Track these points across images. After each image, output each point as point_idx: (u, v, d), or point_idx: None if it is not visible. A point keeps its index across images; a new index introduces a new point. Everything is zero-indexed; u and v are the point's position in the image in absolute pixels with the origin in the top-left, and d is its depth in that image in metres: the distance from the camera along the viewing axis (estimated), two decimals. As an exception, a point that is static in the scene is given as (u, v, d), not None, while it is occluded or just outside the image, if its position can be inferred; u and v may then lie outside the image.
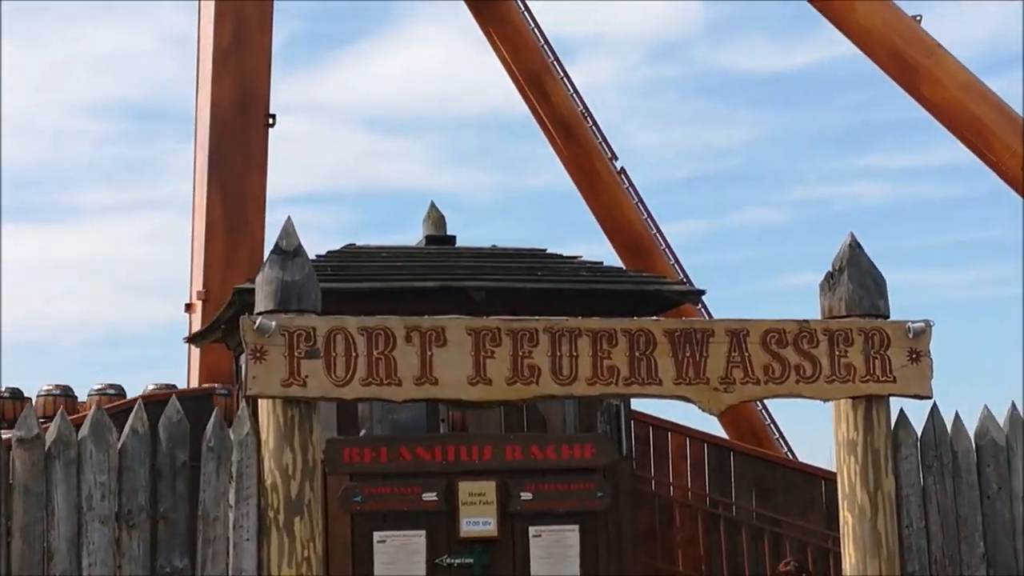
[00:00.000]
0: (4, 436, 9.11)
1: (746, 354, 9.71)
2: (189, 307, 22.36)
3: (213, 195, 22.61)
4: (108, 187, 61.03)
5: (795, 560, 13.61)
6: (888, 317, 9.95)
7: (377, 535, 13.39)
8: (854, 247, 10.05)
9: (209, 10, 23.34)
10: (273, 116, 23.43)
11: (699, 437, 17.71)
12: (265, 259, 9.60)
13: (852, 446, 9.81)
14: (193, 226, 23.30)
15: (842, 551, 9.90)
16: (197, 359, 20.59)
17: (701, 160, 63.13)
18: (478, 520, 13.55)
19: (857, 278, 9.92)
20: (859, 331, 9.82)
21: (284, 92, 56.09)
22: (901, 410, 10.02)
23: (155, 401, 10.32)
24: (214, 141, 22.76)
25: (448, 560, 13.49)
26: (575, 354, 9.58)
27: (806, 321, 9.85)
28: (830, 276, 10.06)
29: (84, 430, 9.03)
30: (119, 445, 9.07)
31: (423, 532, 13.49)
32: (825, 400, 9.89)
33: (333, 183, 63.30)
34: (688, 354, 9.65)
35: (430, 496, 13.49)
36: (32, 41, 58.37)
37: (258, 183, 23.08)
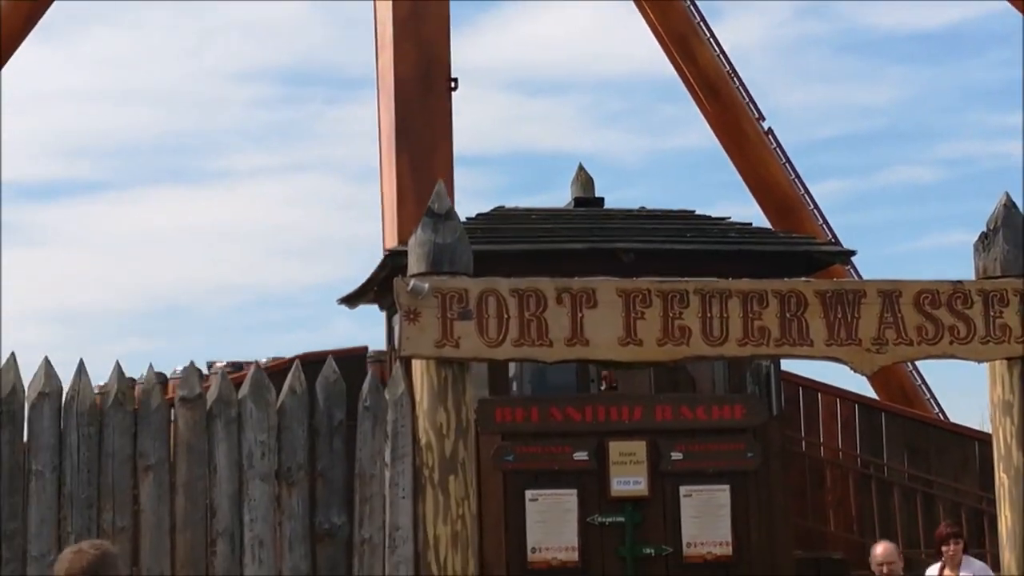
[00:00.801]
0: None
1: (899, 315, 9.67)
2: None
3: (402, 163, 22.91)
4: (260, 151, 61.91)
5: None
6: (1044, 277, 9.83)
7: (529, 493, 13.50)
8: (1009, 207, 9.94)
9: None
10: (455, 80, 23.69)
11: (849, 398, 17.60)
12: (418, 222, 9.74)
13: (1008, 407, 9.72)
14: (382, 191, 23.62)
15: (998, 513, 9.83)
16: None
17: (849, 119, 62.31)
18: (629, 479, 13.59)
19: (1012, 238, 9.81)
20: (1014, 291, 9.73)
21: (431, 55, 56.30)
22: (1058, 370, 9.88)
23: (312, 361, 10.52)
24: (399, 109, 23.04)
25: (599, 519, 13.55)
26: (726, 315, 9.61)
27: (960, 282, 9.78)
28: (984, 236, 9.96)
29: (244, 389, 9.26)
30: (278, 404, 9.29)
31: (574, 491, 13.56)
32: (980, 361, 9.81)
33: (480, 146, 63.57)
34: (840, 315, 9.64)
35: (581, 455, 13.56)
36: (182, 9, 59.28)
37: (445, 148, 23.34)
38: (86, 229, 57.76)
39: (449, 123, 23.47)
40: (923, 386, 28.90)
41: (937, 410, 27.99)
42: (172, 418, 9.30)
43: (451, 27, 23.59)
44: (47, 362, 9.15)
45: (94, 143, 61.36)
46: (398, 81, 23.00)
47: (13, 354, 9.15)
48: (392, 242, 22.27)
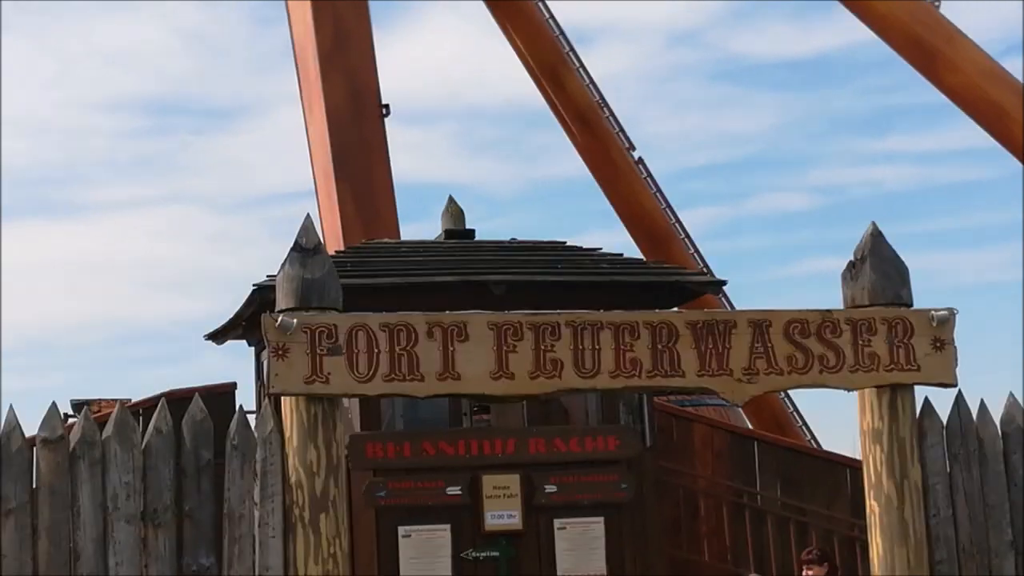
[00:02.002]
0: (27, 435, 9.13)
1: (769, 345, 9.69)
2: None
3: (343, 192, 22.87)
4: (123, 183, 61.13)
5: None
6: (911, 305, 9.92)
7: (402, 529, 13.38)
8: (876, 236, 10.02)
9: (303, 13, 23.57)
10: (386, 106, 23.67)
11: (722, 427, 17.69)
12: (285, 256, 9.60)
13: (877, 435, 9.78)
14: (322, 223, 23.48)
15: (869, 540, 9.88)
16: None
17: (719, 147, 63.10)
18: (503, 513, 13.53)
19: (879, 267, 9.89)
20: (882, 320, 9.79)
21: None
22: (926, 398, 9.99)
23: (179, 398, 10.32)
24: (334, 140, 23.00)
25: (473, 554, 13.47)
26: (597, 347, 9.57)
27: (829, 311, 9.83)
28: (852, 265, 10.03)
29: (108, 429, 9.05)
30: (143, 444, 9.09)
31: (448, 526, 13.48)
32: (849, 390, 9.87)
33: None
34: (711, 345, 9.64)
35: (454, 490, 13.48)
36: (43, 38, 58.46)
37: (383, 174, 23.35)
38: (-53, 264, 56.56)
39: (385, 148, 23.49)
40: (795, 414, 29.24)
41: (809, 437, 28.32)
42: (34, 460, 9.06)
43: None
44: (-98, 405, 8.88)
45: (-44, 177, 60.23)
46: (330, 113, 22.98)
47: None
48: None
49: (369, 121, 23.42)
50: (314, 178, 24.03)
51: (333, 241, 22.80)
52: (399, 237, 21.98)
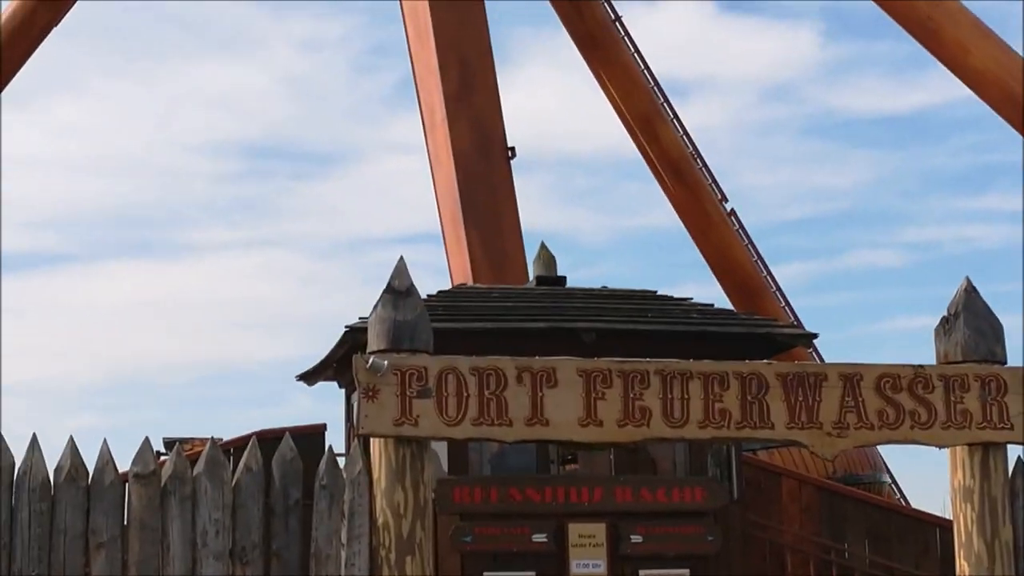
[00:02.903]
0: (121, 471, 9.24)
1: (860, 399, 9.62)
2: None
3: (471, 235, 22.92)
4: (221, 225, 61.78)
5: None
6: (1005, 363, 9.81)
7: (487, 575, 13.38)
8: (970, 292, 9.94)
9: (428, 60, 23.73)
10: (512, 149, 23.76)
11: (811, 481, 17.54)
12: (377, 298, 9.66)
13: (968, 493, 9.67)
14: (450, 266, 23.60)
15: (958, 599, 9.75)
16: None
17: (812, 201, 62.71)
18: (588, 562, 13.49)
19: (973, 323, 9.79)
20: (975, 377, 9.70)
21: (401, 131, 56.61)
22: (1019, 457, 9.87)
23: (269, 438, 10.41)
24: (462, 183, 23.09)
25: (557, 601, 13.44)
26: (686, 396, 9.54)
27: (921, 366, 9.74)
28: (945, 321, 9.94)
29: (199, 466, 9.13)
30: (233, 482, 9.16)
31: (533, 573, 13.46)
32: (940, 447, 9.77)
33: (443, 223, 63.38)
34: (801, 398, 9.58)
35: (540, 537, 13.46)
36: (149, 80, 59.32)
37: (511, 217, 23.40)
38: (46, 301, 57.42)
39: (512, 192, 23.51)
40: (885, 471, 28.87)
41: (898, 494, 27.98)
42: (126, 494, 9.16)
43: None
44: (0, 438, 9.01)
45: (55, 214, 61.15)
46: (457, 156, 23.05)
47: (-23, 431, 9.01)
48: None
49: (496, 164, 23.49)
50: (441, 222, 24.13)
51: (459, 282, 22.87)
52: (528, 280, 22.05)
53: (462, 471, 13.96)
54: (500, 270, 22.32)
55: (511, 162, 23.76)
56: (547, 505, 13.54)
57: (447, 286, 18.41)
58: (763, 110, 62.70)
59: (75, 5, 24.43)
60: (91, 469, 9.07)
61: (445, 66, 23.55)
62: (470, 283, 21.91)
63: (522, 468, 14.27)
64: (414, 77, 24.81)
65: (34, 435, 9.07)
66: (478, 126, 23.48)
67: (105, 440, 9.22)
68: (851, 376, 9.64)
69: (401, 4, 25.02)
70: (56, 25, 24.30)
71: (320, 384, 17.02)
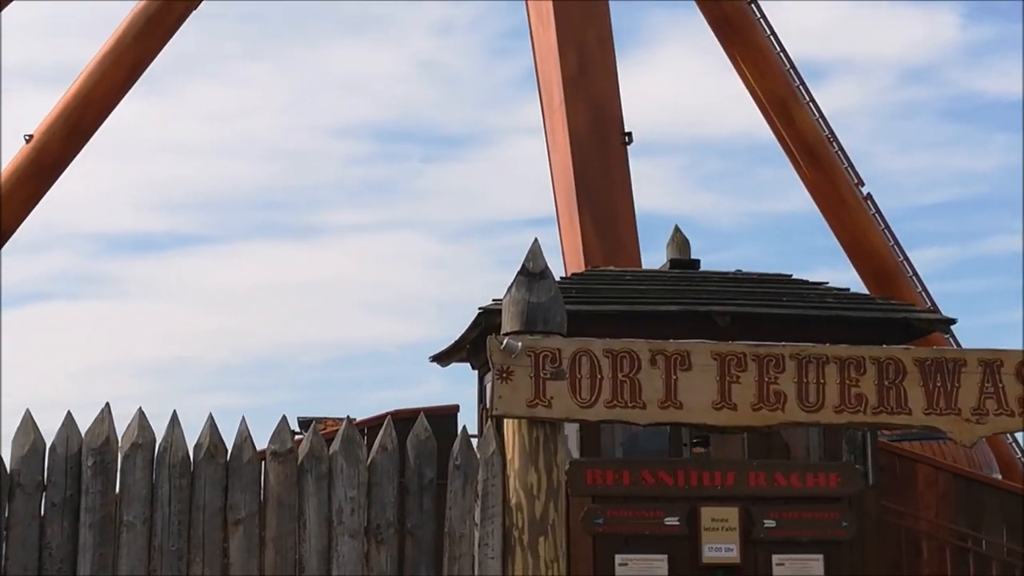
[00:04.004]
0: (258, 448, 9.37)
1: (1000, 385, 9.48)
2: None
3: (584, 219, 23.07)
4: (354, 207, 62.32)
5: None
6: None
7: (619, 558, 13.38)
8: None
9: (549, 42, 23.88)
10: (629, 133, 23.83)
11: (947, 468, 17.32)
12: (511, 280, 9.70)
13: (1111, 482, 9.50)
14: (563, 250, 23.77)
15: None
16: None
17: (951, 186, 61.82)
18: (720, 546, 13.43)
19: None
20: (1119, 363, 9.51)
21: (533, 113, 56.66)
22: None
23: (403, 418, 10.49)
24: (577, 167, 23.24)
25: (689, 585, 13.41)
26: (822, 381, 9.47)
27: (1064, 352, 9.58)
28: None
29: (335, 445, 9.24)
30: (368, 461, 9.26)
31: (665, 556, 13.43)
32: (1082, 434, 9.61)
33: (576, 206, 63.30)
34: (939, 383, 9.47)
35: (672, 520, 13.42)
36: (281, 64, 59.96)
37: (625, 202, 23.50)
38: (182, 282, 58.35)
39: (627, 176, 23.58)
40: (1022, 458, 28.44)
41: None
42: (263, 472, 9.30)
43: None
44: (141, 413, 9.18)
45: (192, 196, 62.12)
46: (573, 140, 23.16)
47: (108, 405, 9.19)
48: None
49: (612, 148, 23.53)
50: (556, 205, 24.21)
51: (575, 268, 22.91)
52: (640, 264, 22.04)
53: (594, 453, 13.97)
54: (612, 254, 22.34)
55: (627, 147, 23.76)
56: (680, 488, 13.50)
57: (562, 270, 18.43)
58: (901, 93, 61.92)
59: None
60: (229, 447, 9.22)
61: (564, 49, 23.62)
62: (581, 266, 21.96)
63: (654, 451, 14.26)
64: (535, 60, 24.88)
65: (174, 412, 9.23)
66: (595, 109, 23.50)
67: (243, 418, 9.36)
68: (991, 362, 9.51)
69: None
70: (194, 9, 24.66)
71: (453, 366, 17.12)
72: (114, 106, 24.48)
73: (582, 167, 23.24)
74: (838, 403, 9.45)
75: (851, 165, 28.94)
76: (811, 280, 15.83)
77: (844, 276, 30.10)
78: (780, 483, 13.61)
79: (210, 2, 25.08)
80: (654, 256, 24.03)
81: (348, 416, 9.81)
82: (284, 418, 9.42)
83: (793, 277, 15.90)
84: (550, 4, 23.99)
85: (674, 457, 14.08)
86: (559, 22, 23.71)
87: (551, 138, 24.25)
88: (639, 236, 23.65)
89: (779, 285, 15.46)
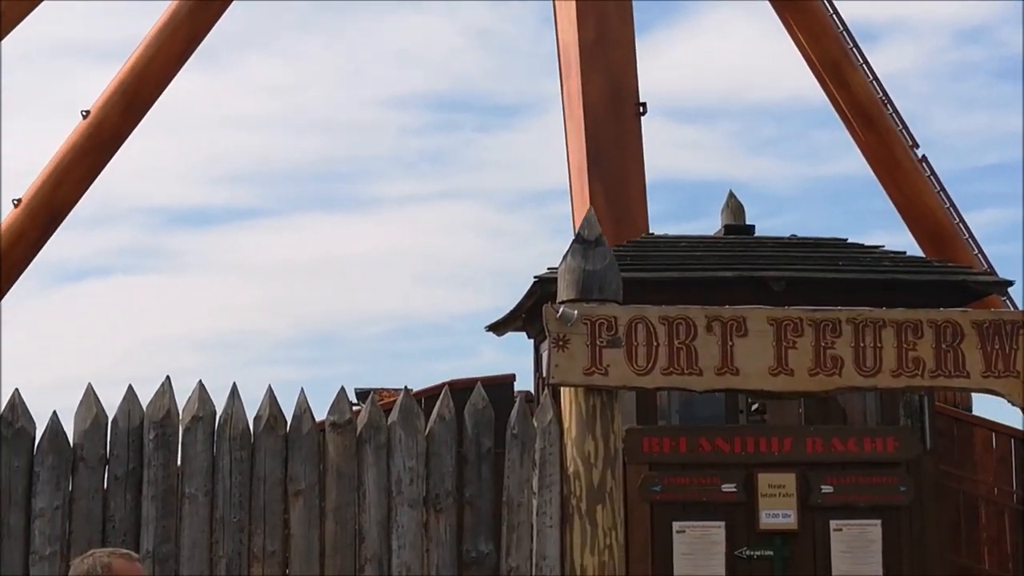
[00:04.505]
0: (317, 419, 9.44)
1: (1059, 347, 9.43)
2: None
3: (595, 188, 23.10)
4: (410, 177, 62.39)
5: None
6: None
7: (676, 525, 13.37)
8: None
9: (568, 10, 23.89)
10: (643, 104, 23.83)
11: (1006, 432, 17.21)
12: (566, 248, 9.71)
13: None
14: (573, 216, 23.84)
15: None
16: None
17: (1007, 146, 61.14)
18: (778, 512, 13.41)
19: None
20: None
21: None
22: None
23: (460, 388, 10.54)
24: (590, 136, 23.25)
25: (748, 552, 13.39)
26: (879, 345, 9.46)
27: (1123, 313, 9.51)
28: None
29: (393, 415, 9.30)
30: (426, 431, 9.31)
31: (722, 523, 13.41)
32: None
33: (629, 173, 63.23)
34: (997, 346, 9.44)
35: (729, 487, 13.40)
36: (337, 36, 60.00)
37: (636, 173, 23.50)
38: (240, 255, 58.57)
39: (640, 147, 23.56)
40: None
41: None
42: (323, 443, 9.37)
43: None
44: (201, 386, 9.27)
45: (249, 169, 62.24)
46: (587, 108, 23.16)
47: (168, 378, 9.29)
48: None
49: (626, 119, 23.51)
50: (569, 174, 24.25)
51: None
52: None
53: (650, 420, 13.97)
54: (621, 226, 22.33)
55: (641, 117, 23.76)
56: (736, 455, 13.47)
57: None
58: (956, 53, 61.26)
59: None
60: (288, 419, 9.29)
61: (583, 16, 23.61)
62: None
63: (710, 418, 14.24)
64: (555, 30, 24.85)
65: (234, 384, 9.31)
66: (611, 80, 23.48)
67: (302, 389, 9.44)
68: (1050, 324, 9.45)
69: None
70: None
71: (508, 335, 17.15)
72: (170, 79, 24.60)
73: (595, 138, 23.26)
74: (895, 367, 9.44)
75: (906, 127, 28.72)
76: (867, 244, 15.74)
77: (900, 239, 29.87)
78: (837, 448, 13.56)
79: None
80: (708, 222, 23.99)
81: (405, 387, 9.84)
82: (342, 389, 9.50)
83: (849, 241, 15.81)
84: None
85: (730, 424, 14.06)
86: None
87: (567, 106, 24.24)
88: (648, 203, 23.64)
89: (834, 249, 15.39)
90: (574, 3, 23.67)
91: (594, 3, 23.62)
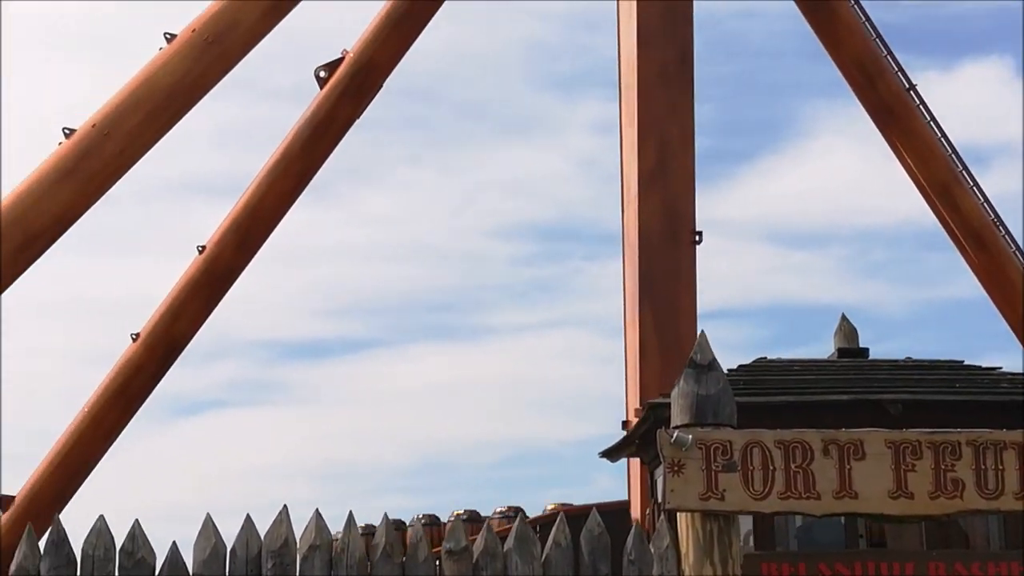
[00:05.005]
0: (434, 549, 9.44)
1: None
2: (626, 424, 22.88)
3: (645, 314, 23.14)
4: (520, 307, 62.66)
5: None
6: None
7: (797, 651, 13.19)
8: None
9: (632, 135, 24.06)
10: (699, 233, 23.89)
11: None
12: (680, 374, 9.69)
13: None
14: (626, 345, 23.86)
15: None
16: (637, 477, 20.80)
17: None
18: (902, 639, 13.20)
19: None
20: None
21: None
22: None
23: (574, 515, 10.51)
24: (643, 262, 23.34)
25: None
26: (1001, 467, 9.31)
27: None
28: None
29: (509, 542, 9.26)
30: (543, 557, 9.27)
31: (843, 649, 13.21)
32: None
33: (741, 297, 63.34)
34: (1118, 467, 9.24)
35: (850, 613, 13.22)
36: (449, 168, 60.79)
37: (688, 301, 23.50)
38: (353, 386, 59.05)
39: (693, 276, 23.60)
40: None
41: None
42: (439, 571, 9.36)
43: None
44: (318, 515, 9.30)
45: (361, 301, 62.98)
46: (642, 234, 23.29)
47: (285, 507, 9.34)
48: (634, 396, 22.43)
49: (681, 247, 23.55)
50: (624, 300, 24.29)
51: (632, 365, 23.11)
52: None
53: (768, 546, 13.82)
54: (669, 353, 22.32)
55: (697, 246, 23.79)
56: (857, 581, 13.30)
57: (737, 361, 18.37)
58: (1068, 172, 60.71)
59: (375, 99, 25.24)
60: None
61: (644, 143, 23.71)
62: (636, 362, 22.04)
63: (829, 542, 14.05)
64: (621, 155, 24.97)
65: (350, 513, 9.34)
66: (668, 206, 23.54)
67: (417, 518, 9.46)
68: None
69: (619, 83, 25.25)
70: (359, 117, 25.10)
71: (621, 462, 17.11)
72: (283, 215, 24.95)
73: (648, 264, 23.30)
74: (1018, 489, 9.28)
75: (1019, 248, 28.44)
76: (983, 366, 15.58)
77: (1017, 361, 29.51)
78: (961, 573, 13.34)
79: (375, 110, 25.53)
80: (820, 347, 23.78)
81: (521, 512, 9.83)
82: (458, 517, 9.52)
83: (965, 363, 15.66)
84: (635, 94, 24.15)
85: (850, 548, 13.87)
86: (642, 116, 23.83)
87: (625, 231, 24.31)
88: (698, 329, 23.64)
89: (950, 371, 15.25)
90: (636, 129, 23.81)
91: (657, 127, 23.72)
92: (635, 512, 18.76)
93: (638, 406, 22.35)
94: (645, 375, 22.61)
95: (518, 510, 19.44)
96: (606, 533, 9.41)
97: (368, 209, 61.48)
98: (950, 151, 28.30)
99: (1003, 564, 13.44)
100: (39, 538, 9.24)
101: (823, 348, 16.73)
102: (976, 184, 28.41)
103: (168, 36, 20.94)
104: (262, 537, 9.21)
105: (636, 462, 18.67)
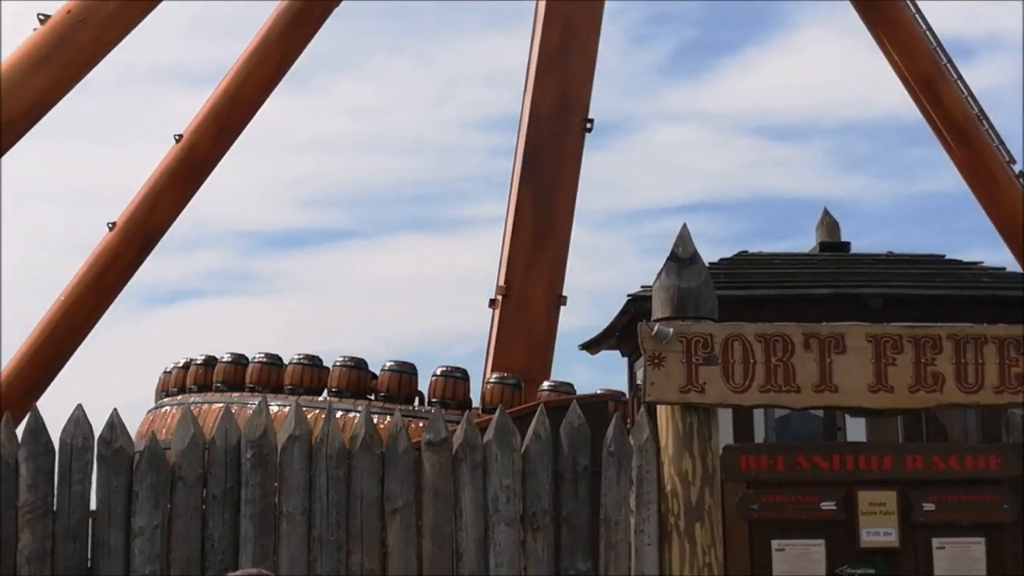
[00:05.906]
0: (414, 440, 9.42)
1: None
2: (492, 303, 23.18)
3: (524, 195, 23.22)
4: (499, 199, 62.60)
5: None
6: None
7: (775, 543, 13.17)
8: None
9: (540, 12, 24.01)
10: (591, 121, 23.84)
11: (1110, 449, 16.91)
12: (662, 266, 9.65)
13: None
14: (504, 224, 23.96)
15: None
16: None
17: (1105, 162, 60.26)
18: (879, 530, 13.19)
19: None
20: None
21: (676, 100, 56.51)
22: None
23: (554, 407, 10.51)
24: (530, 143, 23.34)
25: (848, 570, 13.19)
26: (981, 362, 9.33)
27: None
28: None
29: (489, 434, 9.27)
30: (523, 449, 9.28)
31: (822, 541, 13.22)
32: None
33: (722, 190, 63.29)
34: (1100, 362, 9.26)
35: (828, 505, 13.22)
36: (430, 58, 60.37)
37: (569, 187, 23.56)
38: (331, 277, 59.01)
39: (578, 163, 23.62)
40: None
41: None
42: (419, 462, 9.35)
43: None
44: (297, 406, 9.29)
45: (339, 191, 62.77)
46: (533, 113, 23.25)
47: (264, 399, 9.33)
48: (502, 273, 22.62)
49: (570, 132, 23.51)
50: (511, 177, 24.38)
51: (505, 240, 23.24)
52: (567, 253, 22.27)
53: (747, 438, 13.86)
54: (541, 237, 22.42)
55: (586, 134, 23.75)
56: (835, 473, 13.30)
57: (718, 254, 18.38)
58: (1052, 68, 60.52)
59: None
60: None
61: (549, 23, 23.64)
62: (507, 242, 22.15)
63: (807, 435, 14.10)
64: (533, 31, 24.84)
65: (329, 404, 9.37)
66: (563, 89, 23.46)
67: (397, 410, 9.45)
68: None
69: None
70: (337, 6, 24.87)
71: (601, 353, 17.11)
72: (261, 104, 24.81)
73: (535, 143, 23.28)
74: (998, 384, 9.32)
75: (1002, 143, 28.40)
76: (965, 260, 15.57)
77: (999, 256, 29.55)
78: (938, 466, 13.35)
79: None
80: (802, 240, 23.76)
81: (500, 405, 9.81)
82: (439, 409, 9.50)
83: (946, 258, 15.65)
84: None
85: (828, 441, 13.92)
86: None
87: (523, 106, 24.30)
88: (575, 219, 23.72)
89: (932, 266, 15.23)
90: (544, 4, 23.72)
91: (562, 6, 23.60)
92: None
93: (501, 284, 22.61)
94: (514, 256, 22.78)
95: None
96: (586, 425, 9.42)
97: (347, 99, 61.12)
98: (934, 43, 28.16)
99: (980, 457, 13.45)
100: (16, 427, 9.20)
101: (805, 242, 16.69)
102: (960, 77, 28.30)
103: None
104: (241, 428, 9.19)
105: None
